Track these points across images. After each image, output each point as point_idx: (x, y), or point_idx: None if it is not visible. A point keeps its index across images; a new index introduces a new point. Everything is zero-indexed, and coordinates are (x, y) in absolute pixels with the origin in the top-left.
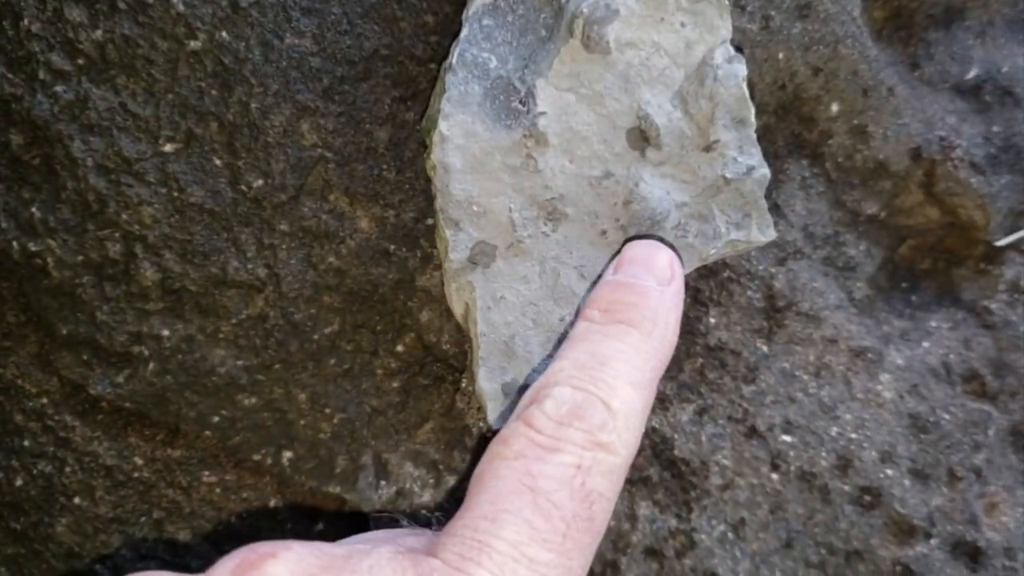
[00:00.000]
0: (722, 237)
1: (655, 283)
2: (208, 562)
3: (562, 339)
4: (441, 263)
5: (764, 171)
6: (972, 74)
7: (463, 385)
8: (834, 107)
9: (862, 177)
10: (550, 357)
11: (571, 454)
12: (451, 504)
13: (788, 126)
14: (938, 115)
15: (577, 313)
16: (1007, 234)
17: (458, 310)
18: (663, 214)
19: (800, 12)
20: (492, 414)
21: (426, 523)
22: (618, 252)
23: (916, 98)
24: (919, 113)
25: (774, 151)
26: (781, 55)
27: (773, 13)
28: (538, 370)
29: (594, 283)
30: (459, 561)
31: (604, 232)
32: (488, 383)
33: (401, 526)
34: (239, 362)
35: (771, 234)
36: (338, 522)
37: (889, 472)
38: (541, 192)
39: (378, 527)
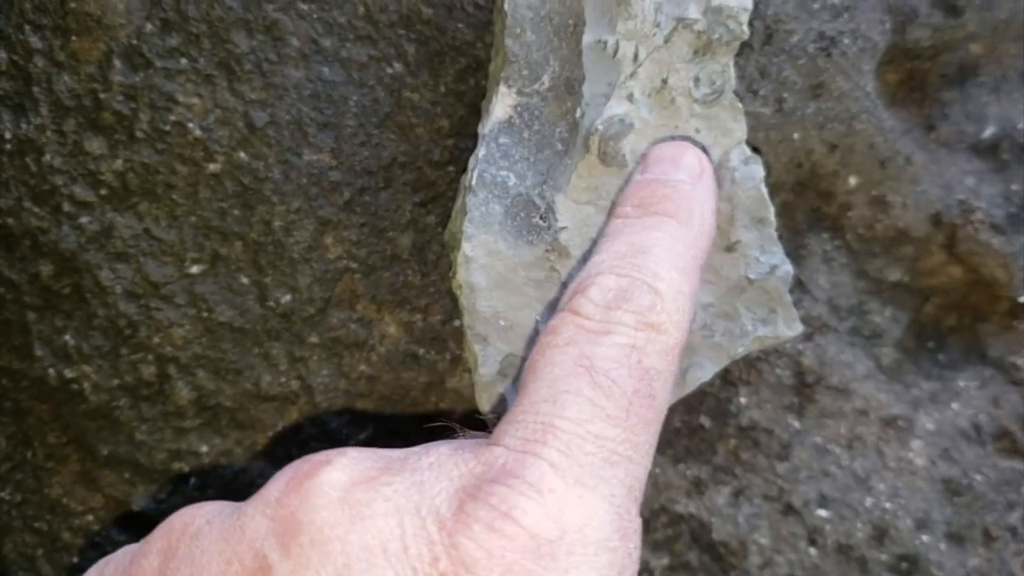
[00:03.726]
0: (749, 335)
1: (686, 177)
2: None
3: None
4: (471, 374)
5: (787, 268)
6: (988, 132)
7: None
8: (852, 180)
9: (884, 245)
10: None
11: (623, 335)
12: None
13: (807, 202)
14: (956, 178)
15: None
16: None
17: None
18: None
19: (813, 92)
20: None
21: (481, 427)
22: None
23: (934, 163)
24: (937, 178)
25: (794, 227)
26: (796, 135)
27: (786, 95)
28: None
29: None
30: (523, 444)
31: None
32: None
33: (455, 437)
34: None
35: (798, 328)
36: None
37: (925, 538)
38: None
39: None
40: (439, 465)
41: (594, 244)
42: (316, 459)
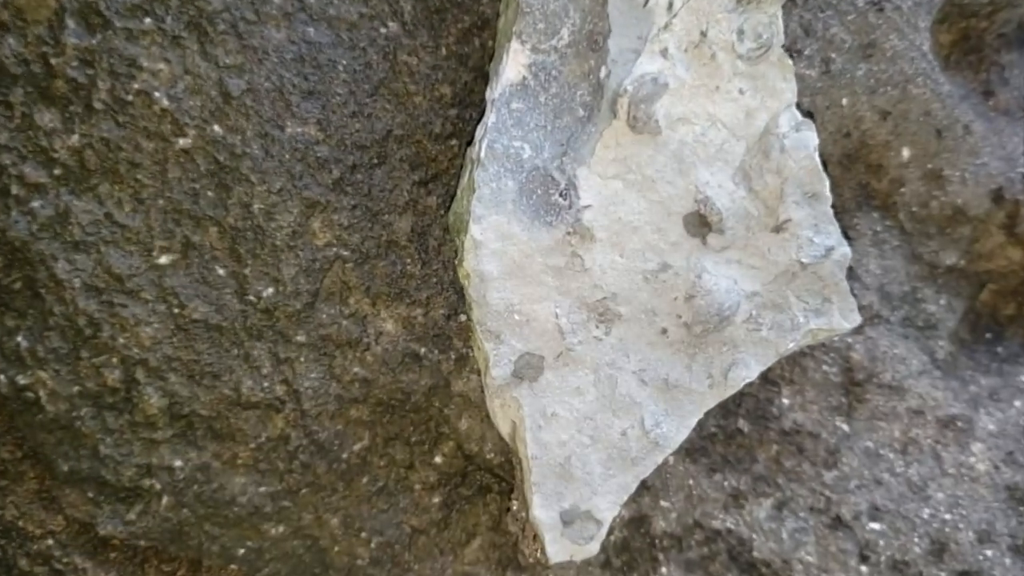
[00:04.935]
0: (800, 327)
1: None
2: None
3: (625, 455)
4: (481, 376)
5: (844, 250)
6: None
7: (513, 508)
8: (905, 152)
9: (939, 225)
10: (613, 477)
11: None
12: None
13: (855, 176)
14: (1019, 149)
15: None
16: None
17: (504, 428)
18: (732, 307)
19: (864, 52)
20: (551, 545)
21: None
22: None
23: (994, 132)
24: (998, 149)
25: (841, 204)
26: (845, 100)
27: (834, 55)
28: (599, 492)
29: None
30: None
31: (664, 331)
32: (544, 511)
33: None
34: (262, 489)
35: (856, 319)
36: None
37: (988, 552)
38: (590, 292)
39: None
40: None
41: (623, 226)
42: None
